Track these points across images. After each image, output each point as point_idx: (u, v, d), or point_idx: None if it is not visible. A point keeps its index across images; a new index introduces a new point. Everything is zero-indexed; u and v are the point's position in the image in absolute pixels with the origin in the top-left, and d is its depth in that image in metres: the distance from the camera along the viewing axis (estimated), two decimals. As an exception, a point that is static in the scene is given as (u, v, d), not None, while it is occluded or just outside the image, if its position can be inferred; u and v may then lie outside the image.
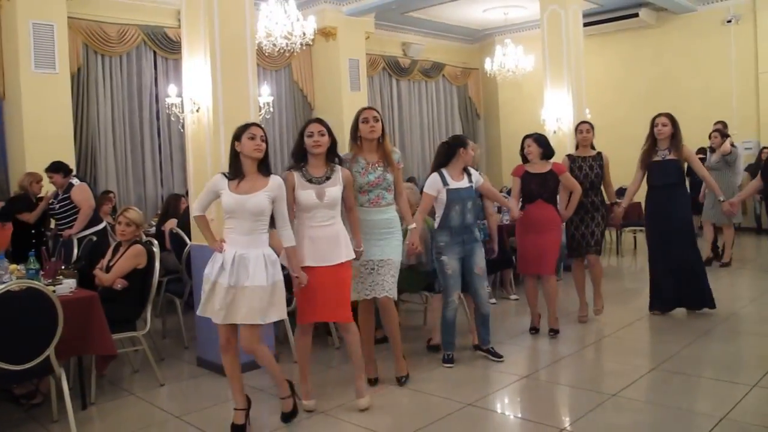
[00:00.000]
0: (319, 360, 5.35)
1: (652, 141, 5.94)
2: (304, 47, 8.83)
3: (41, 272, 4.62)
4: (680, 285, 5.97)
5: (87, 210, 6.87)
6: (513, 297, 7.41)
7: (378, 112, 4.53)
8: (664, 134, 5.83)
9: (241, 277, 3.70)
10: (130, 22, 9.85)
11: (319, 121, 4.17)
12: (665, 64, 12.88)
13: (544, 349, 5.40)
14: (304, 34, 8.38)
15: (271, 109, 9.08)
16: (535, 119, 10.63)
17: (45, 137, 8.06)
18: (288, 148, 11.88)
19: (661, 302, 6.12)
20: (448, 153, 4.98)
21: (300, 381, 4.25)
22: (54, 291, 4.02)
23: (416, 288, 5.85)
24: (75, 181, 7.05)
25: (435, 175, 4.92)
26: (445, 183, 4.86)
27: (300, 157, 4.16)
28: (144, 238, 5.39)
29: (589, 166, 5.95)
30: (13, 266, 4.74)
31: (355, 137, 4.49)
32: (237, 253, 3.71)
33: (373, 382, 4.63)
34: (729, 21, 12.20)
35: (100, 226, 7.02)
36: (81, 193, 6.93)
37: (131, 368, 5.32)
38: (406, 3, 11.49)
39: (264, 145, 3.82)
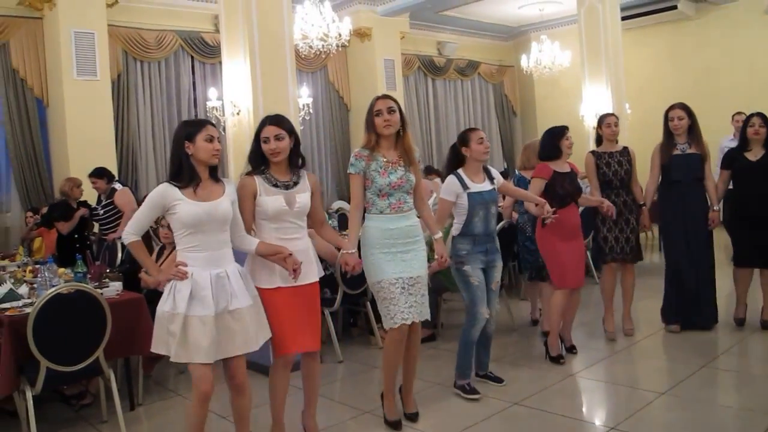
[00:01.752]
0: (363, 360, 5.37)
1: (668, 135, 5.41)
2: (339, 48, 8.84)
3: (88, 275, 4.70)
4: (696, 299, 5.40)
5: (130, 214, 6.94)
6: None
7: (395, 101, 3.82)
8: (681, 128, 5.32)
9: (223, 300, 3.16)
10: (167, 28, 9.97)
11: (276, 121, 3.48)
12: (706, 56, 12.62)
13: (588, 348, 5.30)
14: (340, 35, 8.40)
15: (311, 111, 9.12)
16: (573, 115, 10.52)
17: (87, 142, 8.20)
18: (325, 150, 11.95)
19: (675, 316, 5.51)
20: (457, 155, 4.40)
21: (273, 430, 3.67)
22: (101, 293, 4.07)
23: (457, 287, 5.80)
24: (117, 185, 7.17)
25: (452, 178, 4.32)
26: (464, 186, 4.26)
27: (259, 160, 3.49)
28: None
29: (617, 162, 5.37)
30: (61, 270, 4.83)
31: (371, 131, 3.81)
32: (213, 274, 3.16)
33: (415, 417, 4.00)
34: (770, 11, 11.93)
35: (143, 230, 7.11)
36: (123, 197, 7.04)
37: (176, 369, 5.37)
38: (440, 2, 11.45)
39: (221, 147, 3.28)
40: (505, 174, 11.81)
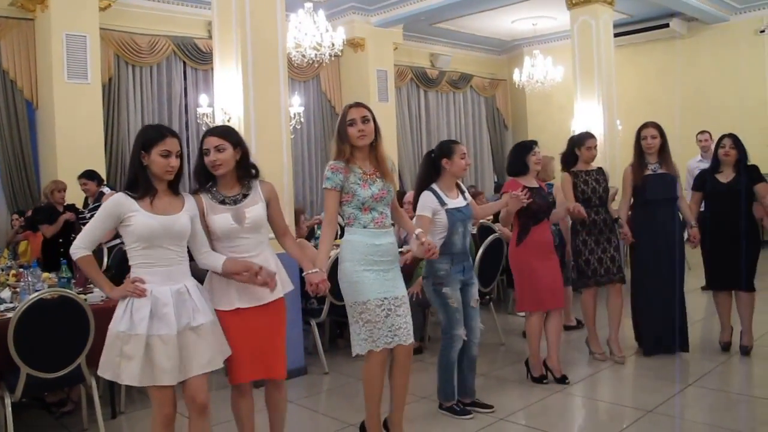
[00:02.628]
0: (349, 372, 5.32)
1: (640, 155, 5.31)
2: (332, 58, 8.84)
3: (72, 281, 4.65)
4: (669, 322, 5.27)
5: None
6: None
7: (369, 109, 3.58)
8: (654, 147, 5.23)
9: (185, 317, 2.96)
10: (160, 33, 9.93)
11: (217, 132, 3.25)
12: (697, 74, 12.69)
13: (575, 365, 5.28)
14: (333, 45, 8.39)
15: (302, 120, 9.09)
16: (565, 130, 10.54)
17: (77, 146, 8.13)
18: (316, 160, 11.92)
19: (654, 342, 5.35)
20: (435, 166, 4.28)
21: None
22: (85, 299, 4.03)
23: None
24: (106, 189, 7.13)
25: (428, 194, 4.16)
26: (442, 203, 4.13)
27: (205, 176, 3.26)
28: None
29: (595, 180, 5.28)
30: (46, 274, 4.78)
31: (344, 142, 3.55)
32: (173, 290, 2.97)
33: None
34: (762, 31, 11.99)
35: (130, 235, 7.05)
36: (111, 201, 6.97)
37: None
38: (434, 14, 11.47)
39: (178, 162, 3.01)
40: (498, 187, 11.88)
